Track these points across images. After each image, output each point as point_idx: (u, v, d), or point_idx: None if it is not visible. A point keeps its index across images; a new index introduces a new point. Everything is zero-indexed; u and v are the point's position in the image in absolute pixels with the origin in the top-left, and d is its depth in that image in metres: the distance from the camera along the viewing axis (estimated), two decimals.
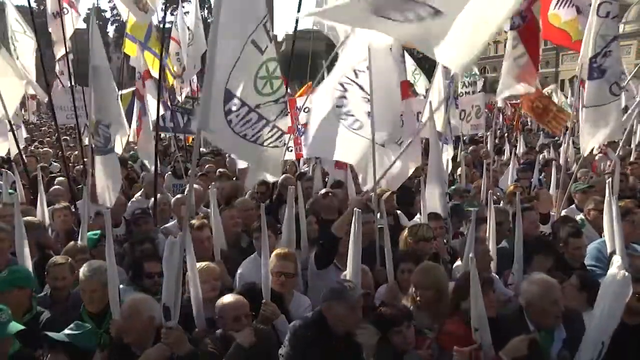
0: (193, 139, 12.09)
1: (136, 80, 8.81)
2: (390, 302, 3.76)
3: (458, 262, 4.63)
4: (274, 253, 3.94)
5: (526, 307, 3.49)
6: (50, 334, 3.12)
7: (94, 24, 6.05)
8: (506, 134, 15.21)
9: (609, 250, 4.54)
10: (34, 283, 3.89)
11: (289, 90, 6.94)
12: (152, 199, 6.52)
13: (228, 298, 3.46)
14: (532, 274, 3.69)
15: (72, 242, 4.62)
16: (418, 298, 3.67)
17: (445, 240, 5.28)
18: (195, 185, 6.54)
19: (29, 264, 4.13)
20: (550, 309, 3.37)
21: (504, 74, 6.93)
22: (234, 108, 3.50)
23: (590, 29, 5.92)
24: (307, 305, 3.97)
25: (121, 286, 3.93)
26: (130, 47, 9.79)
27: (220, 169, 8.71)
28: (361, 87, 4.93)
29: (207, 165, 9.06)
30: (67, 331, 3.14)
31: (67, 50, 9.67)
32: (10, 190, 6.47)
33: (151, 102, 8.50)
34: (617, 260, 3.32)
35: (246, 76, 3.51)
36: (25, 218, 4.95)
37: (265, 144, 3.66)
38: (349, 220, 3.99)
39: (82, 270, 3.74)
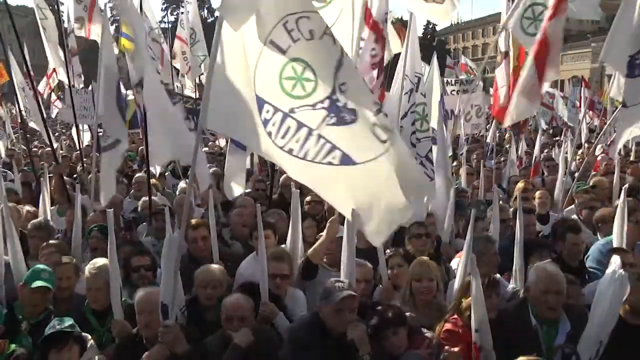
0: None
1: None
2: (384, 303, 3.76)
3: (455, 260, 4.64)
4: (268, 254, 3.87)
5: (527, 295, 3.46)
6: (58, 328, 3.13)
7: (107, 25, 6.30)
8: (508, 135, 15.17)
9: None
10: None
11: None
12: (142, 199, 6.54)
13: (229, 298, 3.46)
14: (539, 263, 3.64)
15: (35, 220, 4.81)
16: (409, 292, 3.71)
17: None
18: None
19: (22, 267, 4.15)
20: (544, 297, 3.34)
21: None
22: (267, 116, 3.08)
23: (629, 26, 5.82)
24: (302, 300, 3.96)
25: None
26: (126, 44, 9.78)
27: None
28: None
29: None
30: (59, 326, 3.15)
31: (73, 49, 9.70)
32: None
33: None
34: (615, 259, 3.32)
35: (270, 79, 3.06)
36: (38, 220, 5.10)
37: (316, 159, 3.07)
38: (326, 248, 4.00)
39: (88, 268, 3.82)
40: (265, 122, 3.12)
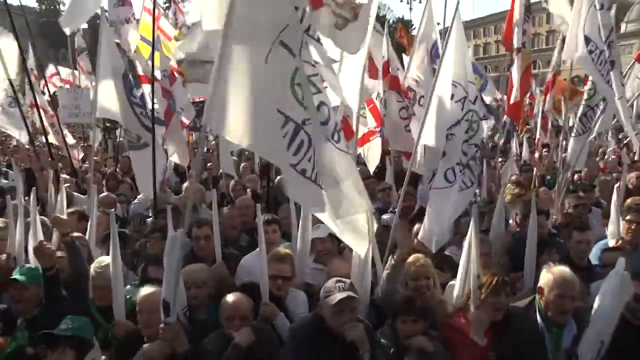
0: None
1: (160, 78, 8.43)
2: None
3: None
4: (269, 255, 3.84)
5: (539, 297, 3.44)
6: (53, 331, 3.12)
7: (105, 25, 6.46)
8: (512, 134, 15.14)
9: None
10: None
11: None
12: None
13: (229, 297, 3.45)
14: (555, 267, 3.56)
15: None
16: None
17: None
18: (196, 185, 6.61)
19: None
20: (559, 301, 3.31)
21: None
22: (280, 124, 2.80)
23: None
24: (303, 302, 3.95)
25: (128, 287, 3.98)
26: (143, 48, 9.65)
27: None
28: None
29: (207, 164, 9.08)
30: (63, 326, 3.15)
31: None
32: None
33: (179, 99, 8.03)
34: (620, 261, 3.32)
35: (282, 83, 2.80)
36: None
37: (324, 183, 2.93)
38: None
39: (93, 266, 3.87)
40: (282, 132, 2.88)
